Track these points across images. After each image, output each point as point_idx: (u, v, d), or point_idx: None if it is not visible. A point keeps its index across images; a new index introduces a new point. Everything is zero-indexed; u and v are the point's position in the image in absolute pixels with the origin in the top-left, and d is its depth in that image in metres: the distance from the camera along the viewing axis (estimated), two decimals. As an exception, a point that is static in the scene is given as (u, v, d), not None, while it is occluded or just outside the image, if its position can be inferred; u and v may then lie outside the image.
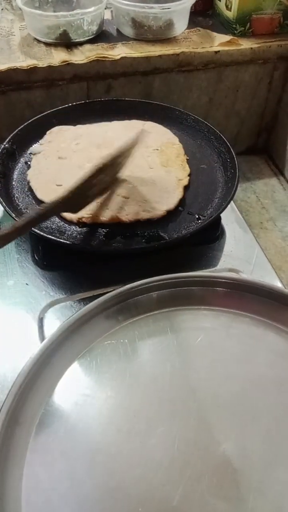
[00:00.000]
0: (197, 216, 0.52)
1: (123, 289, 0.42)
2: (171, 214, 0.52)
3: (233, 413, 0.36)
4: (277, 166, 0.88)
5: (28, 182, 0.54)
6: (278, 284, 0.51)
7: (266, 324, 0.42)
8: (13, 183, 0.56)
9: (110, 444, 0.35)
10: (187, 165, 0.58)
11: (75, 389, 0.37)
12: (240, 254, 0.56)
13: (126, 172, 0.55)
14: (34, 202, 0.53)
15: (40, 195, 0.52)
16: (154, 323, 0.42)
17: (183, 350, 0.40)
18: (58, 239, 0.47)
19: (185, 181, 0.56)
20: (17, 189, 0.55)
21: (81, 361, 0.39)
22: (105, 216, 0.50)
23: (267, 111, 0.85)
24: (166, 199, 0.53)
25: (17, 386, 0.34)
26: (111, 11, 0.78)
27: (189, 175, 0.57)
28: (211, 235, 0.55)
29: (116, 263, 0.51)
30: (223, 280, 0.43)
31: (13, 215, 0.48)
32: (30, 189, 0.54)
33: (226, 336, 0.41)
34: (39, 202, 0.52)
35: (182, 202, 0.54)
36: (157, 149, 0.59)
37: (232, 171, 0.56)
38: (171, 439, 0.35)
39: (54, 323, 0.47)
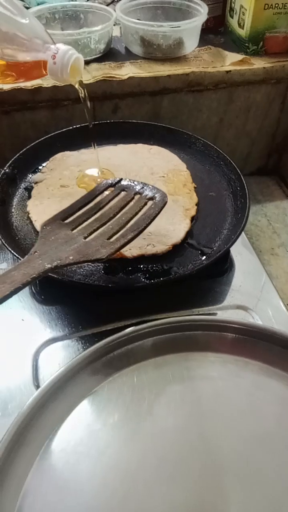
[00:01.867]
0: (204, 249, 0.50)
1: (120, 335, 0.39)
2: (177, 247, 0.50)
3: (238, 477, 0.33)
4: (289, 187, 0.85)
5: (28, 213, 0.52)
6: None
7: (277, 374, 0.39)
8: (13, 210, 0.53)
9: (104, 508, 0.32)
10: (194, 194, 0.56)
11: (67, 446, 0.35)
12: (249, 289, 0.53)
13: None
14: (33, 232, 0.51)
15: (39, 227, 0.49)
16: (155, 370, 0.39)
17: (186, 402, 0.37)
18: (55, 275, 0.44)
19: (193, 211, 0.54)
20: (16, 217, 0.53)
21: (76, 414, 0.36)
22: None
23: (279, 131, 0.82)
24: (172, 232, 0.50)
25: (3, 446, 0.31)
26: (120, 28, 0.76)
27: (196, 204, 0.55)
28: (219, 269, 0.52)
29: (117, 298, 0.49)
30: (230, 325, 0.40)
31: (10, 248, 0.45)
32: (30, 218, 0.52)
33: (233, 387, 0.38)
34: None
35: (189, 233, 0.52)
36: (163, 176, 0.57)
37: (242, 200, 0.53)
38: (170, 505, 0.32)
39: (50, 364, 0.44)
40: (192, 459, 0.34)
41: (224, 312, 0.49)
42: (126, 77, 0.67)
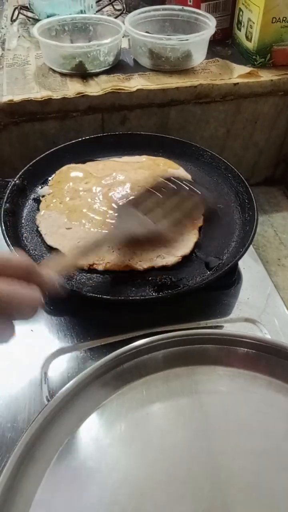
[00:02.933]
0: (212, 262, 0.50)
1: (129, 348, 0.39)
2: (186, 259, 0.50)
3: (249, 496, 0.33)
4: (295, 198, 0.85)
5: (37, 227, 0.52)
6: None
7: (286, 389, 0.39)
8: (22, 221, 0.54)
9: (114, 523, 0.32)
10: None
11: (77, 460, 0.35)
12: (257, 301, 0.53)
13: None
14: (42, 244, 0.51)
15: (49, 240, 0.50)
16: (164, 384, 0.39)
17: (195, 417, 0.37)
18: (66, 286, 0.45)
19: (200, 222, 0.54)
20: (26, 228, 0.53)
21: (85, 428, 0.36)
22: (117, 263, 0.48)
23: (287, 142, 0.82)
24: (181, 243, 0.50)
25: (13, 460, 0.32)
26: (129, 39, 0.77)
27: (203, 214, 0.55)
28: (227, 281, 0.52)
29: (125, 310, 0.49)
30: (240, 339, 0.40)
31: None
32: (40, 231, 0.52)
33: (242, 403, 0.38)
34: (48, 245, 0.50)
35: (197, 244, 0.52)
36: None
37: (250, 213, 0.54)
38: (180, 521, 0.32)
39: (59, 375, 0.44)
40: (200, 476, 0.34)
41: (232, 325, 0.49)
42: (134, 89, 0.67)
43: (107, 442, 0.36)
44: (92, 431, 0.36)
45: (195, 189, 0.52)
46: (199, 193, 0.52)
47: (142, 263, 0.48)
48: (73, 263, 0.42)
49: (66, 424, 0.36)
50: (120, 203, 0.53)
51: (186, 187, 0.53)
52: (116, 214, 0.51)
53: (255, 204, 0.54)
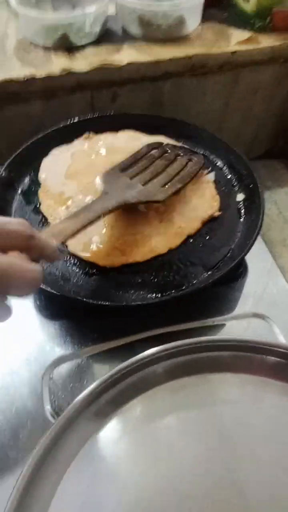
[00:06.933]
0: (217, 256, 0.47)
1: (134, 360, 0.36)
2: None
3: (271, 508, 0.32)
4: (298, 171, 0.81)
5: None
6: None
7: (300, 395, 0.37)
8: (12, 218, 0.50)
9: None
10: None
11: (83, 483, 0.33)
12: (264, 294, 0.50)
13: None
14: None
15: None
16: (171, 395, 0.37)
17: (206, 430, 0.35)
18: (59, 293, 0.42)
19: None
20: (16, 226, 0.49)
21: (91, 446, 0.34)
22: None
23: (287, 113, 0.77)
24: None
25: (22, 482, 0.30)
26: (116, 5, 0.70)
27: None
28: (232, 274, 0.49)
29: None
30: (251, 345, 0.38)
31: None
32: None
33: (255, 410, 0.36)
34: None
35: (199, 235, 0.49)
36: None
37: (256, 200, 0.50)
38: None
39: (60, 385, 0.42)
40: (215, 492, 0.33)
41: (240, 322, 0.47)
42: (124, 63, 0.62)
43: (115, 462, 0.34)
44: (99, 450, 0.34)
45: (181, 152, 0.54)
46: (186, 154, 0.54)
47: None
48: (69, 228, 0.39)
49: (70, 446, 0.34)
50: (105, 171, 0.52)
51: (173, 150, 0.54)
52: (103, 181, 0.49)
53: (259, 188, 0.50)
